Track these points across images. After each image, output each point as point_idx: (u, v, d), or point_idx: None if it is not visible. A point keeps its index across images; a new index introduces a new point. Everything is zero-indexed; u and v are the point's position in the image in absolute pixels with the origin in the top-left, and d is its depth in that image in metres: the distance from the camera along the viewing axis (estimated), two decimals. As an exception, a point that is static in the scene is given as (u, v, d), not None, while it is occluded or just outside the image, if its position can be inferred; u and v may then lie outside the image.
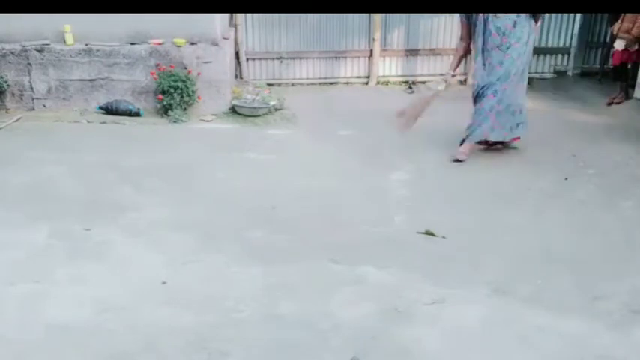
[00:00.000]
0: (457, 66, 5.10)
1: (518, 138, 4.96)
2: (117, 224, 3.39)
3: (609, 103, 6.54)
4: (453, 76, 5.11)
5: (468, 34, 4.83)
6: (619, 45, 6.39)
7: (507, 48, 4.61)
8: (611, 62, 7.13)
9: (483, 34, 4.65)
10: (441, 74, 7.56)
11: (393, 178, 4.34)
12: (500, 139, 4.93)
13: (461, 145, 4.82)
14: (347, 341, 2.39)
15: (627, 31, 6.26)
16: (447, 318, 2.58)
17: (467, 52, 5.02)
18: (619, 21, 6.39)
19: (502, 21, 4.57)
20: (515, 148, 5.03)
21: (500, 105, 4.71)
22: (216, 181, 4.14)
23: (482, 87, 4.74)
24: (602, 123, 5.94)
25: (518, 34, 4.60)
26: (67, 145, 4.80)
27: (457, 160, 4.71)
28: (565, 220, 3.65)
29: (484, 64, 4.71)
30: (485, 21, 4.62)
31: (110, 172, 4.19)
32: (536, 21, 4.74)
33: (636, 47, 6.29)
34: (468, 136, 4.81)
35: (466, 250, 3.24)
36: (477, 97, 4.80)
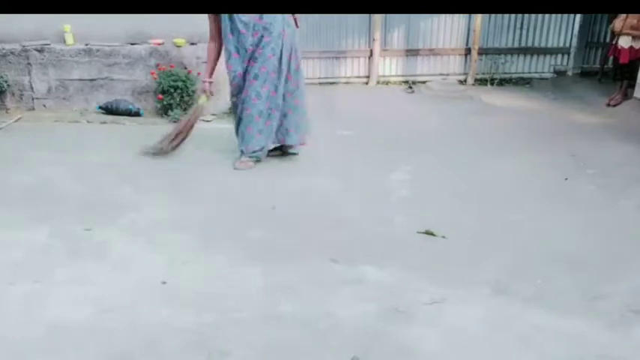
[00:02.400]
0: (212, 71, 4.49)
1: (304, 143, 4.57)
2: (117, 224, 3.39)
3: (609, 104, 6.54)
4: (211, 83, 4.50)
5: (219, 31, 4.28)
6: (625, 42, 6.35)
7: (258, 43, 4.16)
8: (610, 62, 7.13)
9: (232, 31, 4.16)
10: (441, 74, 7.65)
11: (393, 178, 4.34)
12: (276, 144, 4.54)
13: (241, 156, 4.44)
14: (347, 341, 2.39)
15: (634, 27, 6.23)
16: (447, 318, 2.58)
17: (219, 52, 4.41)
18: (621, 18, 6.36)
19: (247, 15, 4.11)
20: (294, 154, 4.64)
21: (271, 107, 4.30)
22: (216, 181, 4.14)
23: (242, 90, 4.29)
24: (602, 123, 5.95)
25: (267, 27, 4.13)
26: (67, 145, 4.80)
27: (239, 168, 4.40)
28: (565, 220, 3.65)
29: (243, 68, 4.24)
30: (231, 17, 4.13)
31: (110, 172, 4.20)
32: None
33: None
34: (243, 150, 4.41)
35: (466, 250, 3.24)
36: (242, 103, 4.33)
